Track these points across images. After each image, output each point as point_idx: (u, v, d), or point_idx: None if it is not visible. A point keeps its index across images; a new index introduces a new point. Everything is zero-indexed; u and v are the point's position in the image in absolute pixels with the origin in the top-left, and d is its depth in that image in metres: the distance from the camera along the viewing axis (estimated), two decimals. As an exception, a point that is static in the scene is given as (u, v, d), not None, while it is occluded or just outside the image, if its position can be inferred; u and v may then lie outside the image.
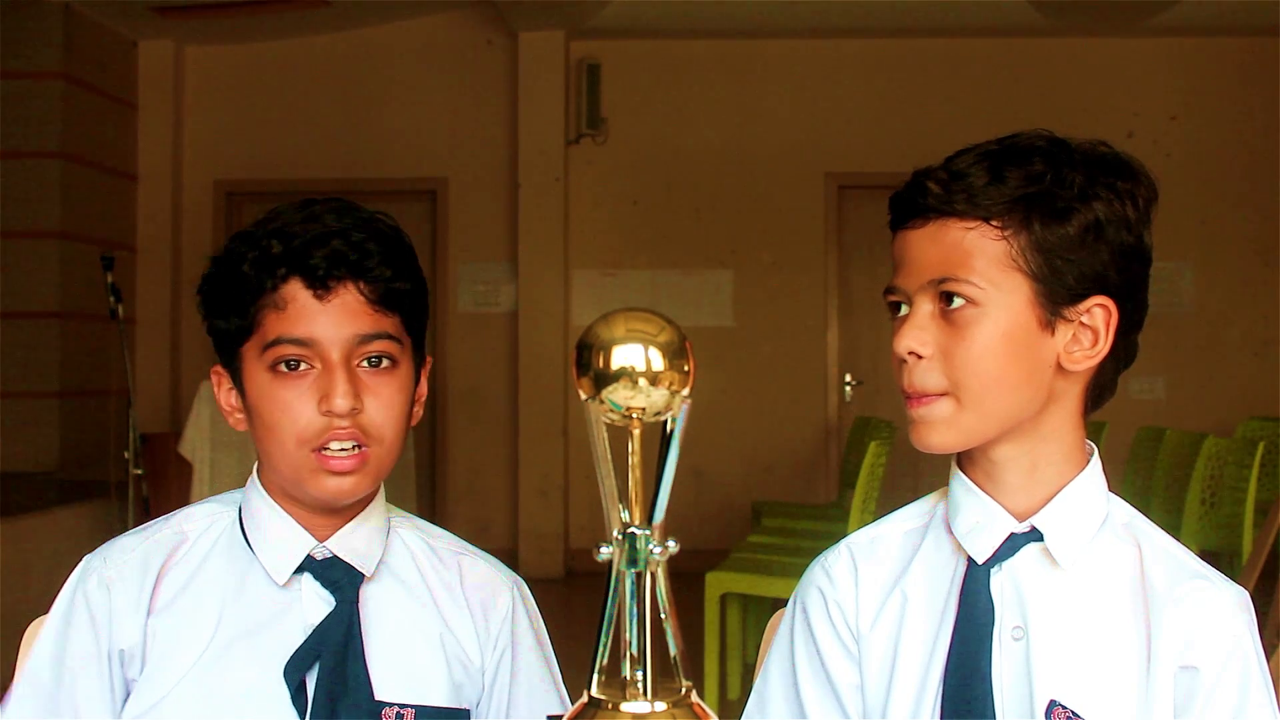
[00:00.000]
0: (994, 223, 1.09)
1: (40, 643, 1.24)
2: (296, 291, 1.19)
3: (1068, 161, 1.11)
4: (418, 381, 1.28)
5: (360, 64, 7.32)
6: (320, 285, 1.19)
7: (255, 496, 1.26)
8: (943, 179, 1.11)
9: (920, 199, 1.12)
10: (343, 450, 1.18)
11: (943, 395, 1.11)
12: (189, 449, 4.92)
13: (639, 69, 7.27)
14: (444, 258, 7.29)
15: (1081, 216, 1.09)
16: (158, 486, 5.15)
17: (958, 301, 1.10)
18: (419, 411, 1.29)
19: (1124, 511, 1.18)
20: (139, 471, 5.02)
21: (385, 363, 1.21)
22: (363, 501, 1.26)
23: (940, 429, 1.11)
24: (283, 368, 1.19)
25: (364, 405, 1.19)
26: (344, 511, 1.25)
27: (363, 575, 1.24)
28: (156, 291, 7.15)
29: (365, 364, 1.20)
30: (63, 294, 6.40)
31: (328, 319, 1.19)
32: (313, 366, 1.19)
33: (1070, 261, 1.09)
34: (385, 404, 1.20)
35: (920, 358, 1.11)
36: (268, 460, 1.23)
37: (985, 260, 1.09)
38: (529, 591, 1.37)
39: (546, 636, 1.36)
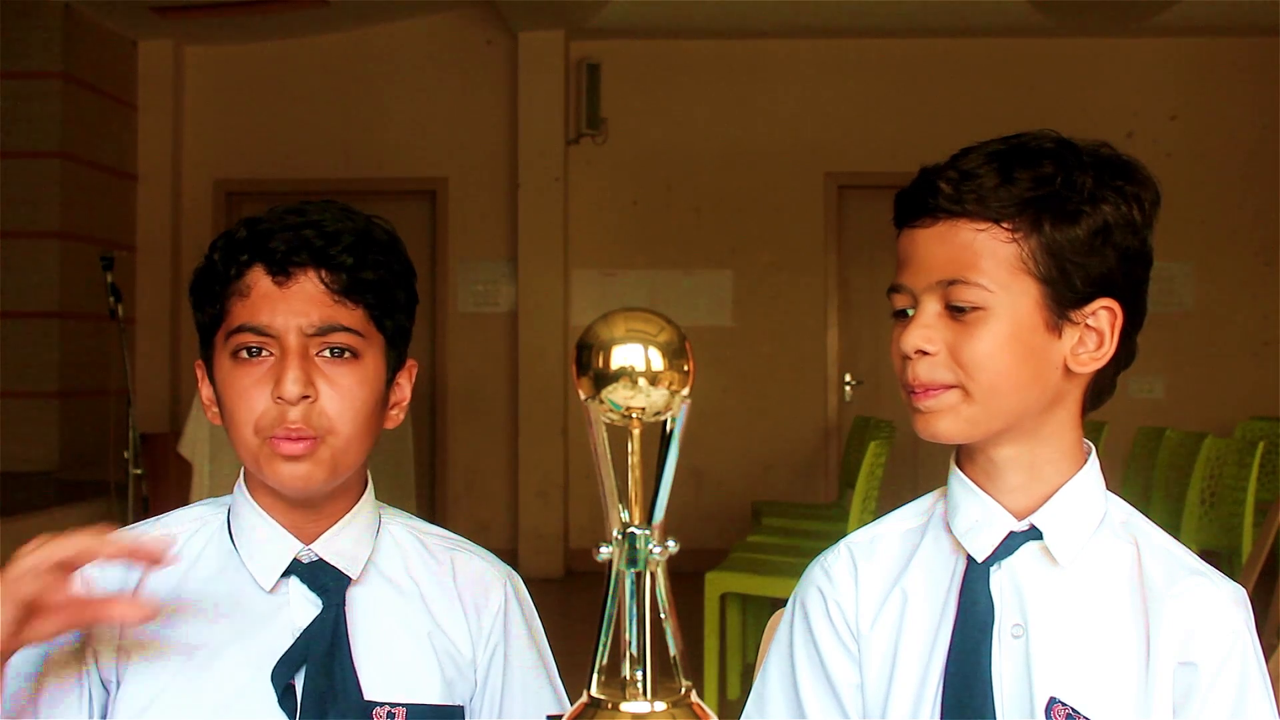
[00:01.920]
0: (1005, 225, 1.09)
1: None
2: (259, 278, 1.19)
3: (1077, 164, 1.11)
4: (391, 381, 1.25)
5: (360, 64, 7.32)
6: (280, 271, 1.18)
7: (241, 500, 1.25)
8: (953, 179, 1.11)
9: (930, 199, 1.12)
10: (291, 440, 1.16)
11: (950, 388, 1.11)
12: (189, 449, 4.92)
13: (639, 69, 7.27)
14: (444, 257, 7.29)
15: (1091, 219, 1.09)
16: (157, 486, 5.15)
17: (966, 303, 1.10)
18: (398, 416, 1.27)
19: (1122, 510, 1.19)
20: (139, 471, 5.01)
21: (347, 354, 1.19)
22: (346, 501, 1.25)
23: (948, 418, 1.12)
24: (244, 354, 1.18)
25: (318, 393, 1.17)
26: (325, 509, 1.23)
27: (349, 578, 1.23)
28: (156, 291, 7.16)
29: (326, 353, 1.18)
30: (63, 294, 6.41)
31: (285, 306, 1.17)
32: (271, 354, 1.18)
33: (1078, 264, 1.10)
34: (342, 394, 1.18)
35: (927, 354, 1.11)
36: (236, 452, 1.22)
37: (994, 262, 1.09)
38: (523, 585, 1.36)
39: (541, 630, 1.36)
